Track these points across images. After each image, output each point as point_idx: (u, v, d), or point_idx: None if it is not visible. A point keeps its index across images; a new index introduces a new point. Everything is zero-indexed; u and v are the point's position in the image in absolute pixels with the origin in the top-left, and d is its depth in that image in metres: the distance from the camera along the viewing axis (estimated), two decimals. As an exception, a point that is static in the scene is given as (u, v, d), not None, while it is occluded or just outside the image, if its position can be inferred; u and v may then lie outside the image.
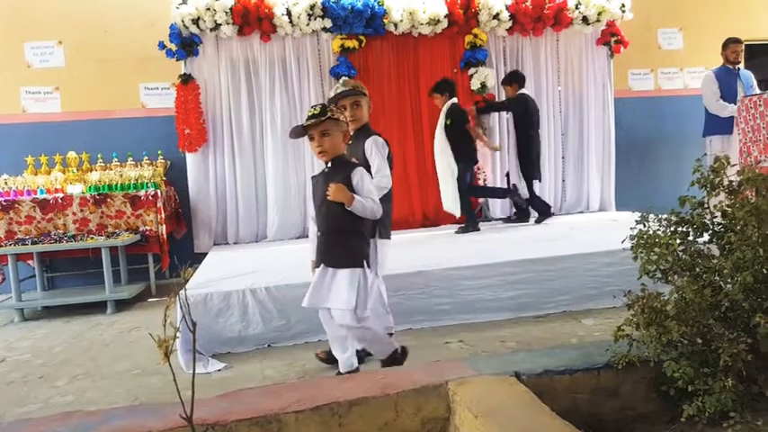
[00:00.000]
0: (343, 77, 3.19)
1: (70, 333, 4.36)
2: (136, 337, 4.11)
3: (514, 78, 6.11)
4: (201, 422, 1.62)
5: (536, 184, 6.29)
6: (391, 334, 3.20)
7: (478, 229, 5.84)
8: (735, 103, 6.06)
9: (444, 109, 5.68)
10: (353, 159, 2.95)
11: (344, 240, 2.76)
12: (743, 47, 6.28)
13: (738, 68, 6.28)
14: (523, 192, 6.27)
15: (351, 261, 2.73)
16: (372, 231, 3.02)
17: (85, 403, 2.89)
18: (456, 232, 5.78)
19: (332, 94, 3.23)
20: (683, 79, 7.50)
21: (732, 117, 6.08)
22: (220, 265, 4.67)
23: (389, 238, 3.23)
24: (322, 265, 2.76)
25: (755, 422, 1.74)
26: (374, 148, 3.08)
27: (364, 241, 2.83)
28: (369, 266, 2.80)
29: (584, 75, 6.84)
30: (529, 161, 6.16)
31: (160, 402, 2.70)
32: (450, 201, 5.79)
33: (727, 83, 6.18)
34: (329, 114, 2.68)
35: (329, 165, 2.80)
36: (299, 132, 2.77)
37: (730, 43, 6.25)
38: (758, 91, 6.21)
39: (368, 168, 3.00)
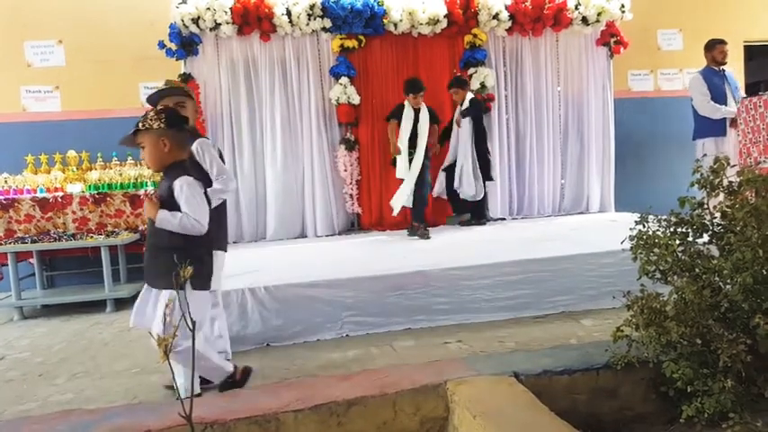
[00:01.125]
0: (167, 79, 3.14)
1: (69, 331, 4.36)
2: (135, 336, 4.11)
3: (462, 83, 6.05)
4: (200, 421, 1.62)
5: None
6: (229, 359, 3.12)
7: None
8: (725, 105, 6.01)
9: (426, 108, 5.74)
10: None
11: (164, 258, 2.52)
12: (728, 47, 6.22)
13: (723, 69, 6.21)
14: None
15: (171, 282, 2.58)
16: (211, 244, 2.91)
17: (84, 401, 2.89)
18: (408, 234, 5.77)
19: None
20: (683, 80, 7.49)
21: (724, 119, 6.01)
22: (220, 264, 4.67)
23: (224, 250, 3.12)
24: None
25: (755, 423, 1.74)
26: (203, 151, 2.97)
27: (192, 259, 2.55)
28: (198, 287, 2.59)
29: (584, 75, 6.83)
30: (488, 163, 6.15)
31: (159, 401, 2.70)
32: (405, 197, 5.76)
33: (715, 84, 6.08)
34: (139, 126, 2.54)
35: (162, 174, 2.66)
36: (130, 141, 2.61)
37: (717, 44, 6.15)
38: (742, 92, 6.16)
39: (203, 172, 2.91)
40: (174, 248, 2.52)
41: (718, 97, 6.02)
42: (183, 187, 2.54)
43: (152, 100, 2.99)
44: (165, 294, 2.53)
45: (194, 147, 2.97)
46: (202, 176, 2.86)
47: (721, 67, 6.17)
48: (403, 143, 5.73)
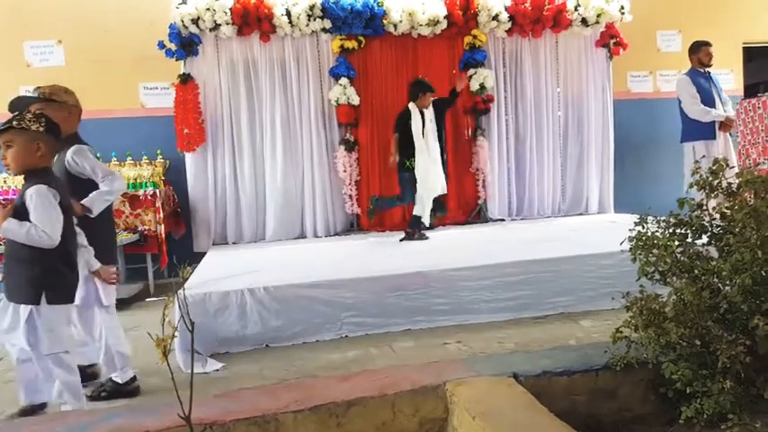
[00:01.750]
0: (36, 86, 3.08)
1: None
2: (134, 337, 4.09)
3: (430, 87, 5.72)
4: (199, 422, 1.62)
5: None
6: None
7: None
8: (713, 107, 5.94)
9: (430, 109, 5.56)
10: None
11: (20, 270, 2.46)
12: (713, 49, 6.10)
13: (709, 71, 6.12)
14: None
15: (24, 296, 2.45)
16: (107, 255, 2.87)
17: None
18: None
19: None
20: (682, 81, 7.49)
21: (713, 121, 5.96)
22: (219, 264, 4.67)
23: (112, 263, 3.04)
24: None
25: (754, 424, 1.74)
26: (80, 159, 2.90)
27: (49, 271, 2.48)
28: (54, 301, 2.47)
29: (584, 76, 6.85)
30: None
31: (158, 402, 2.70)
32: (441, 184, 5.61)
33: (702, 86, 6.01)
34: (14, 124, 2.43)
35: (24, 180, 2.54)
36: None
37: (702, 46, 6.07)
38: (724, 95, 6.13)
39: (84, 181, 2.88)
40: (31, 260, 2.44)
41: (707, 99, 5.96)
42: (33, 196, 2.40)
43: (16, 106, 2.82)
44: (22, 309, 2.44)
45: (68, 157, 2.87)
46: (78, 187, 2.81)
47: (706, 69, 6.13)
48: (419, 147, 5.40)
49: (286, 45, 6.13)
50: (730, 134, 6.08)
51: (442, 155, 5.67)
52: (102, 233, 2.98)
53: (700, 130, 6.00)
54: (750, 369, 1.81)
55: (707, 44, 6.09)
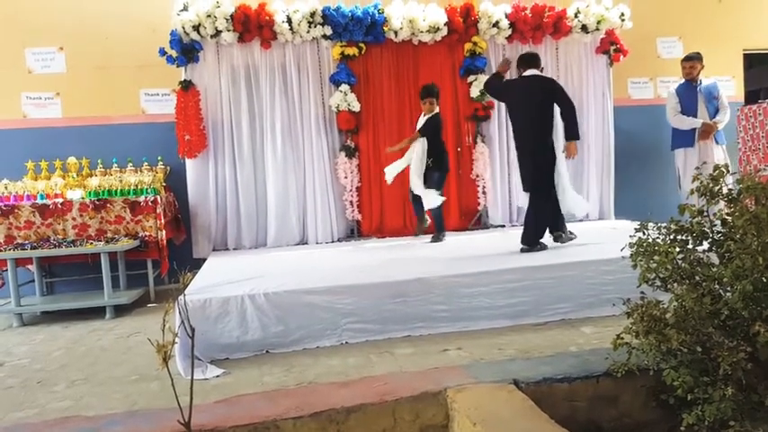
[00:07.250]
0: None
1: (69, 338, 4.35)
2: (134, 343, 4.11)
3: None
4: (199, 428, 1.62)
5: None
6: None
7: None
8: (695, 116, 6.08)
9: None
10: None
11: None
12: (697, 64, 6.15)
13: (700, 82, 6.20)
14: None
15: None
16: None
17: (83, 408, 2.88)
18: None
19: None
20: (683, 88, 7.50)
21: (693, 130, 6.09)
22: (219, 270, 4.67)
23: None
24: None
25: (755, 431, 1.74)
26: None
27: None
28: None
29: (584, 83, 6.86)
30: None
31: (158, 408, 2.70)
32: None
33: (687, 97, 6.19)
34: None
35: None
36: None
37: (683, 60, 6.29)
38: (724, 101, 6.16)
39: None
40: None
41: (689, 110, 6.15)
42: None
43: None
44: None
45: None
46: None
47: (698, 80, 6.19)
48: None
49: (287, 52, 6.15)
50: (716, 141, 6.09)
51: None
52: None
53: (681, 139, 6.22)
54: (751, 376, 1.81)
55: (687, 58, 6.25)
